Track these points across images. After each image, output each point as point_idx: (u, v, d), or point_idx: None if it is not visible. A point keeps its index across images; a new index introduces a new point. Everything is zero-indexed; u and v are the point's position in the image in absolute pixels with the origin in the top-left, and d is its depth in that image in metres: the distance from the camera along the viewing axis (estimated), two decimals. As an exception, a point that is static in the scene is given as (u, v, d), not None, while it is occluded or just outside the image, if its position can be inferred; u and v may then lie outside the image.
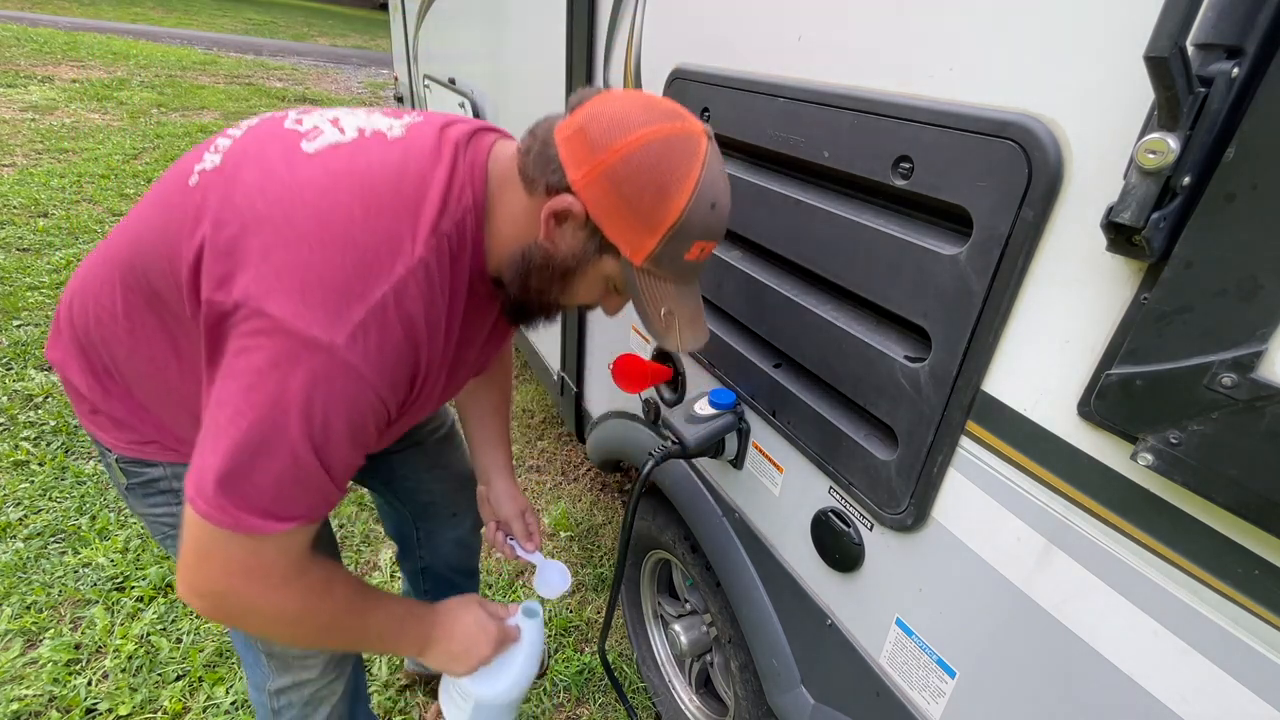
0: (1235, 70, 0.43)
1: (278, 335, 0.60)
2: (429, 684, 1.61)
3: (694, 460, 1.21)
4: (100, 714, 1.47)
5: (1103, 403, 0.54)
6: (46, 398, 2.45)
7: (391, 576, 1.86)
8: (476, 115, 2.28)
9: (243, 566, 0.66)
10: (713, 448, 1.05)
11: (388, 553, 1.92)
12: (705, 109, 0.99)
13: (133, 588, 1.76)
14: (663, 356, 1.27)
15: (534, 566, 1.13)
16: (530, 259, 0.72)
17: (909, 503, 0.76)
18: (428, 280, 0.67)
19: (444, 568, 1.38)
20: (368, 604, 0.80)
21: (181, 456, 0.84)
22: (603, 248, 0.70)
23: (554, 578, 1.10)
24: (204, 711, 1.50)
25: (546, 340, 2.03)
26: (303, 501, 0.66)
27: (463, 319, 0.76)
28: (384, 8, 4.85)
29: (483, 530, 1.21)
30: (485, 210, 0.73)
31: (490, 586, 1.91)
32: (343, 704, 1.13)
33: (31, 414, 2.36)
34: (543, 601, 1.71)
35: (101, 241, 0.82)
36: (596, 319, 1.62)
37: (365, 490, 2.15)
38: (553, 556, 2.04)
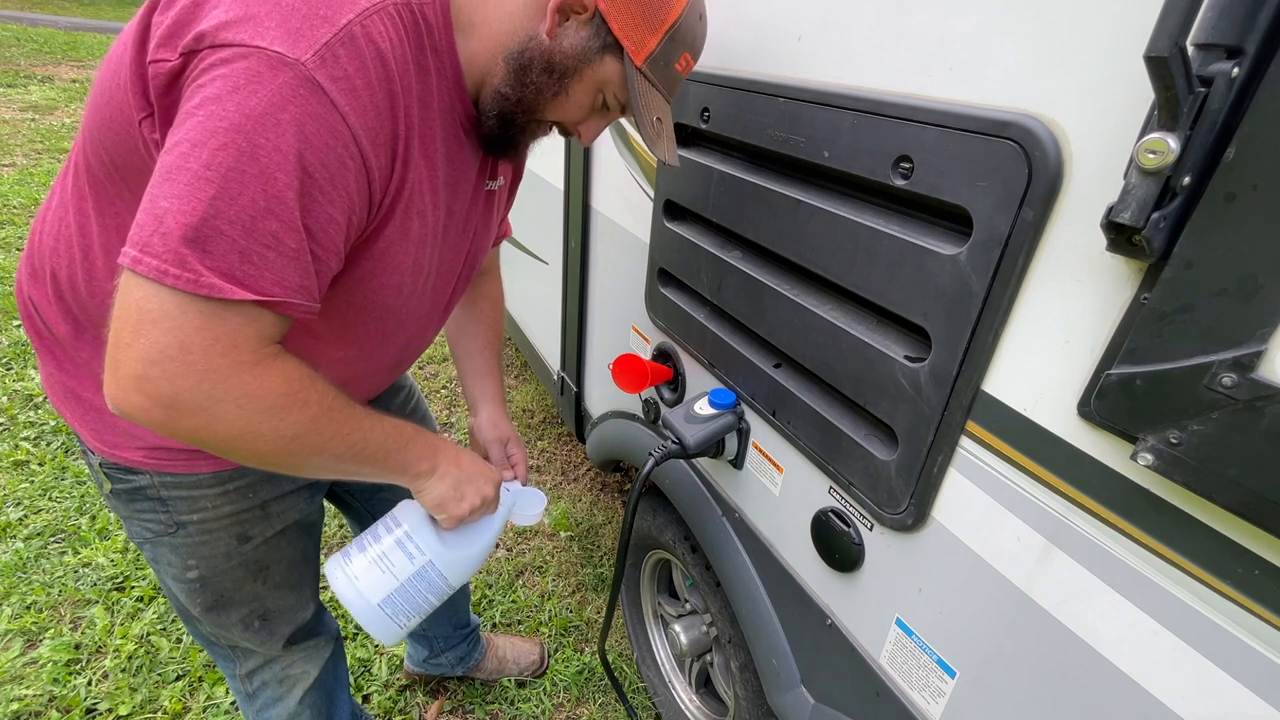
0: (1235, 70, 0.43)
1: (236, 60, 0.54)
2: (429, 684, 1.61)
3: (694, 460, 1.21)
4: (100, 714, 1.48)
5: (1103, 403, 0.54)
6: (46, 398, 2.45)
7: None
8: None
9: (201, 332, 0.55)
10: (713, 448, 1.05)
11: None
12: (705, 109, 0.99)
13: (133, 588, 1.76)
14: (662, 357, 1.27)
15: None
16: (529, 55, 0.71)
17: (909, 503, 0.76)
18: (395, 27, 0.62)
19: None
20: (362, 411, 0.72)
21: (162, 458, 0.82)
22: (605, 47, 0.71)
23: (529, 506, 1.03)
24: (204, 711, 1.50)
25: (546, 340, 2.03)
26: (275, 268, 0.57)
27: (445, 156, 0.74)
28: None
29: None
30: (452, 7, 0.70)
31: (490, 586, 1.91)
32: (319, 691, 1.12)
33: (31, 414, 2.36)
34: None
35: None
36: (597, 318, 1.62)
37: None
38: (553, 556, 2.04)
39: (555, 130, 0.83)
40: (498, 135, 0.77)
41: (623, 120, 1.29)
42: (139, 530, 0.89)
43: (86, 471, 2.12)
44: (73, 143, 0.77)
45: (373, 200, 0.66)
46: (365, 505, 1.22)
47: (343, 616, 1.72)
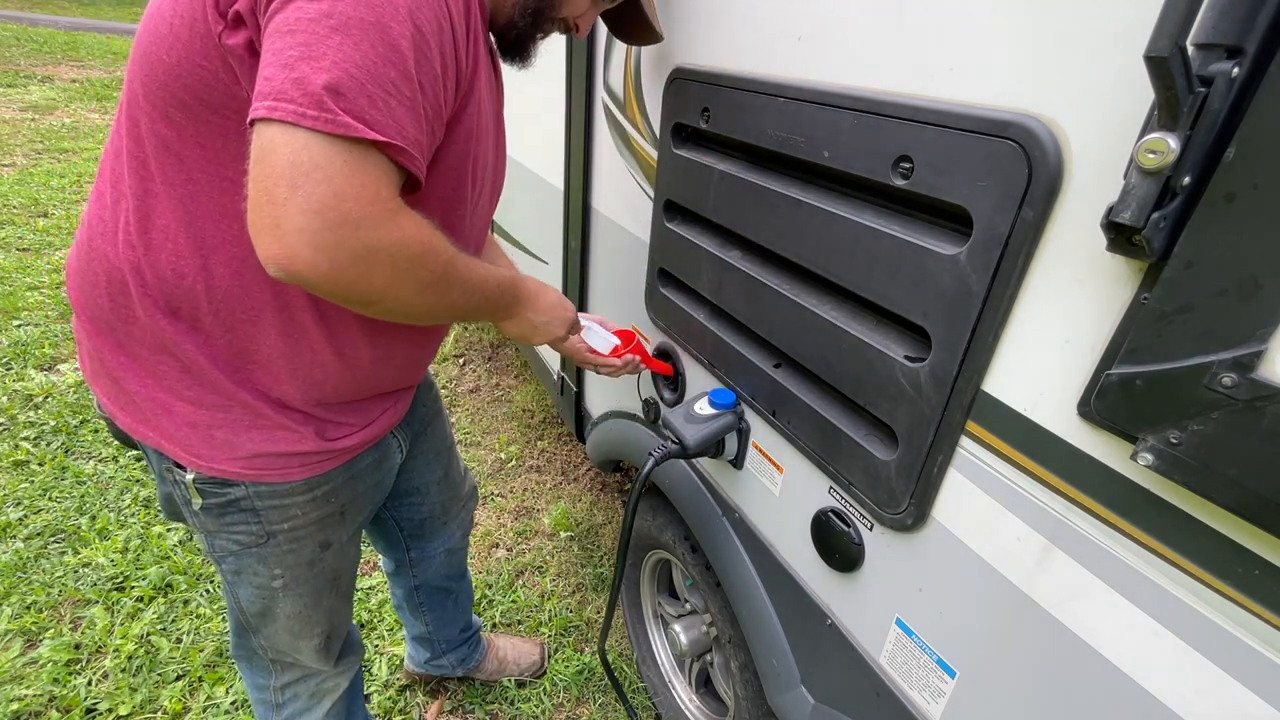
0: (1235, 70, 0.43)
1: None
2: (429, 684, 1.61)
3: (694, 460, 1.21)
4: (100, 714, 1.48)
5: (1103, 402, 0.54)
6: (46, 398, 2.45)
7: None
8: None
9: (349, 181, 0.57)
10: (713, 448, 1.05)
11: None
12: (705, 109, 0.99)
13: (133, 588, 1.76)
14: (663, 356, 1.27)
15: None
16: None
17: (909, 503, 0.76)
18: None
19: (437, 578, 1.39)
20: (467, 257, 0.75)
21: (259, 467, 0.82)
22: None
23: (601, 334, 1.16)
24: (204, 711, 1.50)
25: (546, 340, 2.03)
26: (396, 115, 0.59)
27: (487, 65, 0.78)
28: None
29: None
30: None
31: (490, 586, 1.91)
32: (344, 701, 1.14)
33: (31, 414, 2.36)
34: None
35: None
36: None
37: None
38: (553, 556, 2.04)
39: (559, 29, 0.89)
40: (526, 36, 0.84)
41: (621, 118, 1.29)
42: (225, 544, 0.88)
43: (87, 471, 2.12)
44: (110, 134, 0.75)
45: (459, 68, 0.68)
46: (393, 512, 1.25)
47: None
